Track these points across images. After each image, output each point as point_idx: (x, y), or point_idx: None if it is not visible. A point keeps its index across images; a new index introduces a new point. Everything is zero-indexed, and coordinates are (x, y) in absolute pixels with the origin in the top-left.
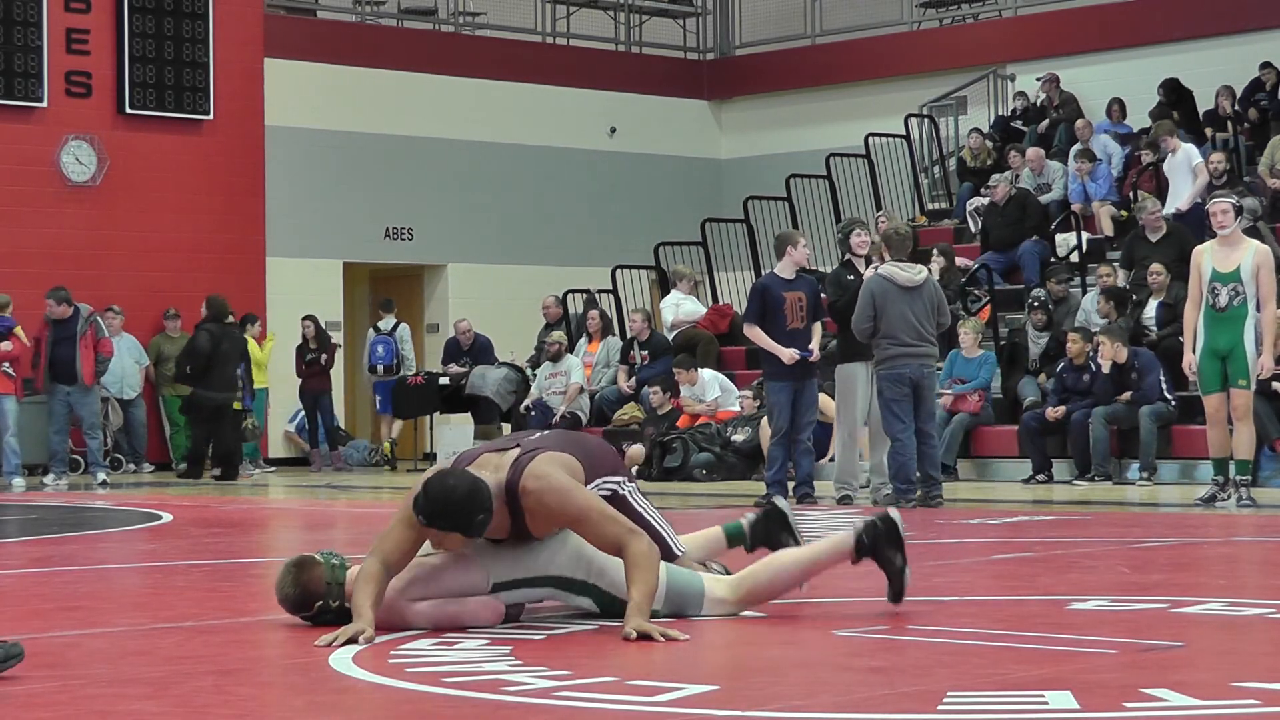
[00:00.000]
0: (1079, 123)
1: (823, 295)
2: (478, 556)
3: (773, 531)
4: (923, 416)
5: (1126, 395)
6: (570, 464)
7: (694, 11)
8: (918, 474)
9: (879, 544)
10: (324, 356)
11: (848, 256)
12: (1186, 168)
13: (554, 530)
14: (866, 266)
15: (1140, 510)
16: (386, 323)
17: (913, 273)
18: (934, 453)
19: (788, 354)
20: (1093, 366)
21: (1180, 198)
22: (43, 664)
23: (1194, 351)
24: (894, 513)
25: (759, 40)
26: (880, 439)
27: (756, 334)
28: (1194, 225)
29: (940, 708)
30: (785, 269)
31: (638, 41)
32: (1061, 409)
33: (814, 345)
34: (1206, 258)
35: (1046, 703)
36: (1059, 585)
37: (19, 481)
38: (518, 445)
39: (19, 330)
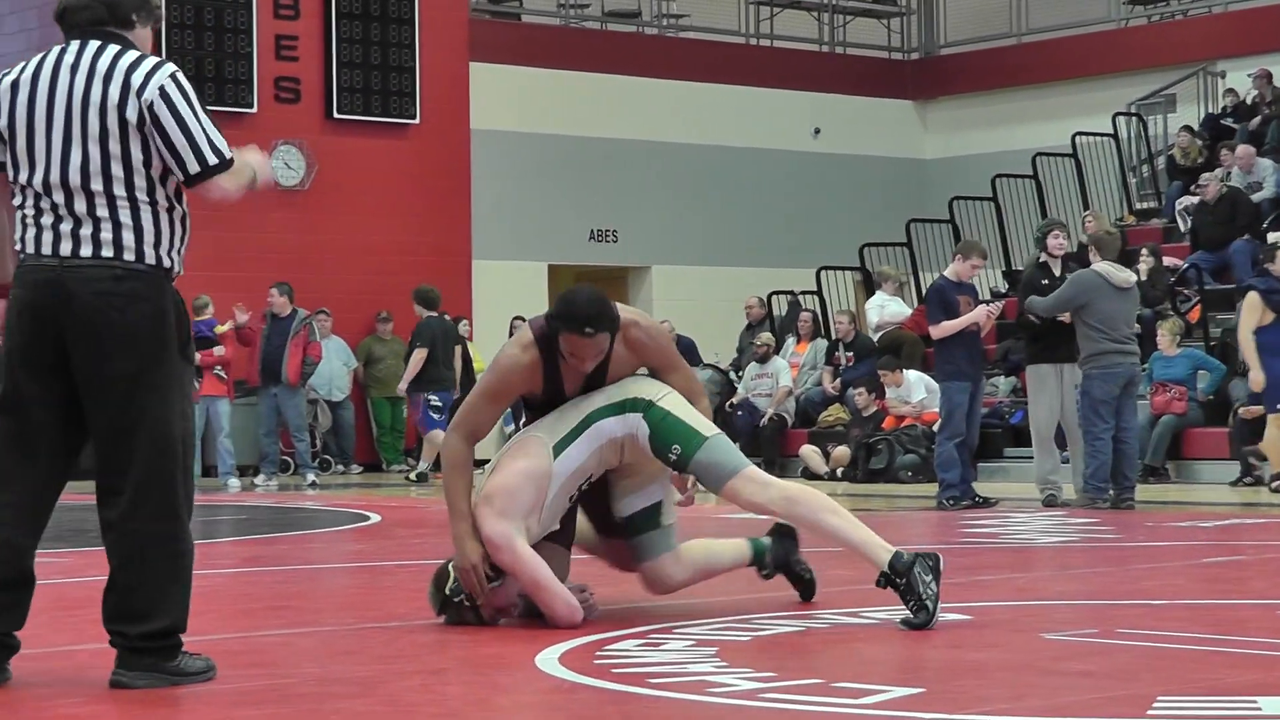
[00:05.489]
0: None
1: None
2: (531, 440)
3: (789, 552)
4: (1125, 416)
5: None
6: None
7: (898, 11)
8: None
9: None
10: None
11: (1043, 259)
12: None
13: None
14: (1062, 269)
15: None
16: None
17: (1125, 274)
18: (1133, 454)
19: (983, 310)
20: None
21: None
22: (252, 662)
23: None
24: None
25: (963, 40)
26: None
27: (944, 327)
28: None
29: (1150, 712)
30: (952, 274)
31: (841, 42)
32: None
33: (991, 309)
34: None
35: (1260, 709)
36: (1272, 589)
37: (234, 482)
38: None
39: (222, 327)
